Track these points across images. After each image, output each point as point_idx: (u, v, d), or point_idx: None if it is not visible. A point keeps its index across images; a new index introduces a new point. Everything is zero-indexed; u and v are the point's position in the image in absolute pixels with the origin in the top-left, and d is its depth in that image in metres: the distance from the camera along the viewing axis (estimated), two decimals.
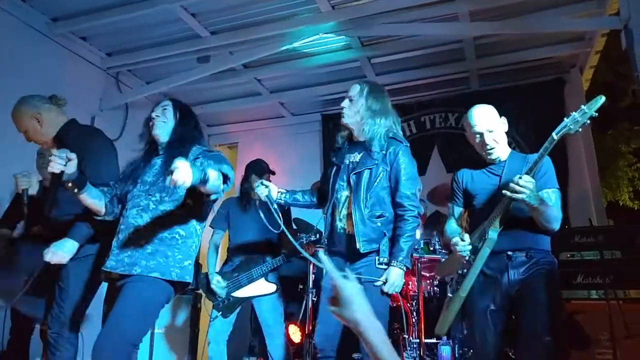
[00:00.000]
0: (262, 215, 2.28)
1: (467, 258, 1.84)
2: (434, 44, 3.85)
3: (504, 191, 1.70)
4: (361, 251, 1.90)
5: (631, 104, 6.77)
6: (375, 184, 1.94)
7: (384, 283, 1.87)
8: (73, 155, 1.53)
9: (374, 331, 0.87)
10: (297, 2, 3.34)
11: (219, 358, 2.70)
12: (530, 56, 3.95)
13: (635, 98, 6.36)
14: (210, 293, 2.77)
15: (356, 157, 2.03)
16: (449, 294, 1.89)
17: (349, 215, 1.95)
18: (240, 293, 2.75)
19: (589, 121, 1.58)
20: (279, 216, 1.90)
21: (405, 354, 2.70)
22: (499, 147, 1.91)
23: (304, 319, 2.92)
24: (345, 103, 2.08)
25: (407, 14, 3.38)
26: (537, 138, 4.05)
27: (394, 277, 1.87)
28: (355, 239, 1.90)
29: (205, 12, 3.48)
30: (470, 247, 1.83)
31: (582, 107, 1.60)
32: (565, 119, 1.63)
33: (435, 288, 3.15)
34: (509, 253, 1.81)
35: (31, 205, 2.06)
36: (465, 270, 1.84)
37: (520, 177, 1.66)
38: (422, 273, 2.99)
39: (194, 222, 1.74)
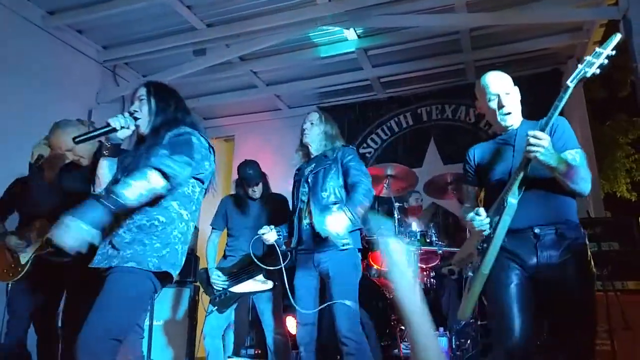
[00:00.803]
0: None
1: (486, 234, 1.65)
2: (430, 35, 3.83)
3: (526, 149, 1.50)
4: (322, 235, 2.03)
5: (629, 95, 6.76)
6: (329, 177, 2.22)
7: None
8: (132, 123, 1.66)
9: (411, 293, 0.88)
10: None
11: (215, 352, 2.71)
12: (527, 47, 3.94)
13: (633, 89, 6.36)
14: (210, 287, 2.77)
15: (312, 166, 2.33)
16: (469, 273, 1.73)
17: (309, 213, 2.22)
18: (238, 289, 2.75)
19: (606, 61, 1.43)
20: (282, 256, 2.26)
21: (402, 346, 2.72)
22: (515, 112, 1.76)
23: None
24: (307, 125, 2.39)
25: (403, 5, 3.36)
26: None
27: (335, 218, 1.99)
28: (315, 229, 2.10)
29: (201, 5, 3.46)
30: (488, 220, 1.64)
31: (596, 48, 1.46)
32: (578, 65, 1.48)
33: (432, 280, 3.16)
34: (536, 231, 1.59)
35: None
36: (485, 245, 1.64)
37: (533, 133, 1.48)
38: (420, 265, 3.00)
39: (174, 206, 1.62)
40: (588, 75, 1.45)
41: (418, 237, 3.09)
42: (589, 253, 1.62)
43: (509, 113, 1.73)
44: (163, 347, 3.24)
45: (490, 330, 2.31)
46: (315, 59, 4.14)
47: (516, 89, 1.78)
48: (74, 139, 1.64)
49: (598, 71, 1.44)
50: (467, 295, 1.70)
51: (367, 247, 3.09)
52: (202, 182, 1.71)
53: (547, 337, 1.73)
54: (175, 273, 1.62)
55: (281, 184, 3.05)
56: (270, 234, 2.32)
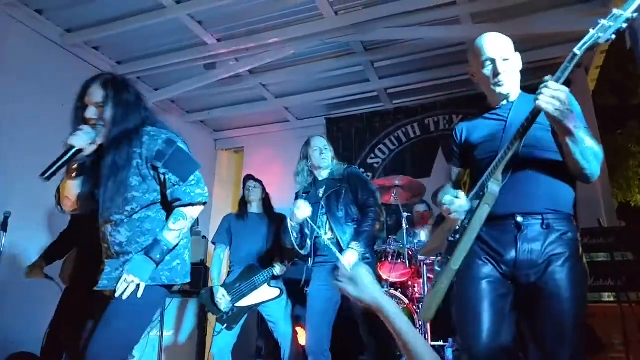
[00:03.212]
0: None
1: (461, 222, 1.39)
2: (436, 46, 3.86)
3: (536, 101, 1.23)
4: (342, 247, 2.28)
5: None
6: (342, 199, 2.41)
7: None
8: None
9: (391, 307, 0.92)
10: (300, 8, 3.39)
11: (226, 349, 2.69)
12: (533, 57, 3.93)
13: None
14: (215, 307, 2.73)
15: (323, 189, 2.50)
16: (437, 268, 1.55)
17: (331, 229, 2.38)
18: (244, 302, 2.73)
19: (625, 25, 1.18)
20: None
21: None
22: (512, 81, 1.49)
23: None
24: (319, 151, 2.55)
25: (409, 17, 3.40)
26: None
27: (348, 258, 2.18)
28: (340, 243, 2.31)
29: (211, 20, 3.55)
30: (467, 206, 1.38)
31: (614, 10, 1.19)
32: (590, 30, 1.22)
33: None
34: (518, 219, 1.32)
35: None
36: (457, 237, 1.37)
37: (548, 81, 1.24)
38: (428, 275, 2.98)
39: None
40: (601, 41, 1.20)
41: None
42: (581, 251, 1.36)
43: (503, 82, 1.46)
44: (172, 357, 3.25)
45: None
46: (323, 72, 4.20)
47: (518, 56, 1.52)
48: (41, 175, 1.46)
49: (613, 37, 1.19)
50: (431, 292, 1.44)
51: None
52: None
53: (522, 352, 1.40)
54: (187, 280, 1.65)
55: (290, 194, 3.08)
56: (303, 209, 2.31)
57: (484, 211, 1.31)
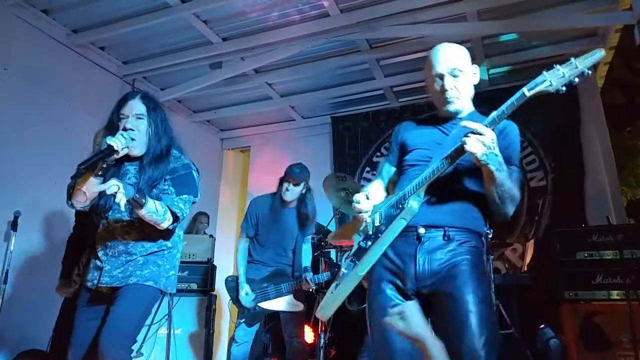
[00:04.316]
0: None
1: (365, 223, 1.40)
2: None
3: (464, 138, 1.21)
4: None
5: None
6: None
7: None
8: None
9: (435, 348, 0.96)
10: (305, 7, 3.39)
11: (242, 358, 2.70)
12: (540, 54, 3.91)
13: None
14: (238, 302, 2.73)
15: None
16: (343, 269, 1.43)
17: None
18: (267, 305, 2.70)
19: (577, 80, 1.16)
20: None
21: None
22: (462, 98, 1.44)
23: (316, 320, 2.92)
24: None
25: (415, 15, 3.39)
26: (551, 137, 4.01)
27: None
28: None
29: (216, 19, 3.56)
30: (369, 211, 1.40)
31: (572, 60, 1.17)
32: (544, 72, 1.20)
33: None
34: (420, 231, 1.32)
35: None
36: (369, 243, 1.37)
37: (473, 125, 1.22)
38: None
39: (177, 231, 1.78)
40: (551, 89, 1.18)
41: None
42: (485, 257, 1.36)
43: (453, 98, 1.42)
44: (179, 357, 3.27)
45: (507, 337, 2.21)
46: (328, 70, 4.20)
47: (473, 69, 1.49)
48: (79, 166, 1.51)
49: (564, 89, 1.17)
50: (333, 292, 1.42)
51: None
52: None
53: None
54: (174, 291, 1.81)
55: None
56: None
57: (399, 225, 1.32)
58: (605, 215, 3.30)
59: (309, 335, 3.17)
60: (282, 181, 2.81)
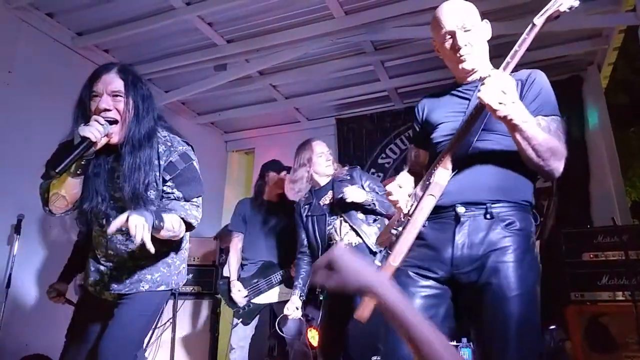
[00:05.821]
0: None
1: (404, 212, 1.27)
2: None
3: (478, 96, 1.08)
4: (374, 250, 2.18)
5: None
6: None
7: None
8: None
9: (388, 290, 0.67)
10: (310, 9, 3.39)
11: None
12: (544, 55, 3.90)
13: None
14: (231, 301, 2.76)
15: (328, 195, 2.42)
16: (377, 263, 1.29)
17: (353, 230, 2.27)
18: (260, 299, 2.75)
19: None
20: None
21: None
22: (477, 55, 1.30)
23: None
24: (324, 157, 2.52)
25: (419, 16, 3.38)
26: None
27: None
28: (366, 244, 2.21)
29: (221, 22, 3.56)
30: (406, 197, 1.28)
31: None
32: None
33: None
34: (458, 210, 1.16)
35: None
36: (401, 229, 1.22)
37: (490, 73, 1.11)
38: None
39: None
40: (563, 9, 1.08)
41: None
42: (532, 241, 1.18)
43: (466, 55, 1.28)
44: (185, 358, 3.27)
45: None
46: (333, 72, 4.20)
47: (484, 25, 1.33)
48: (52, 170, 1.29)
49: (577, 3, 1.08)
50: None
51: None
52: None
53: None
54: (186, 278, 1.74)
55: None
56: (294, 313, 2.43)
57: (428, 202, 1.15)
58: (611, 216, 3.31)
59: (314, 339, 3.17)
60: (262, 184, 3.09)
